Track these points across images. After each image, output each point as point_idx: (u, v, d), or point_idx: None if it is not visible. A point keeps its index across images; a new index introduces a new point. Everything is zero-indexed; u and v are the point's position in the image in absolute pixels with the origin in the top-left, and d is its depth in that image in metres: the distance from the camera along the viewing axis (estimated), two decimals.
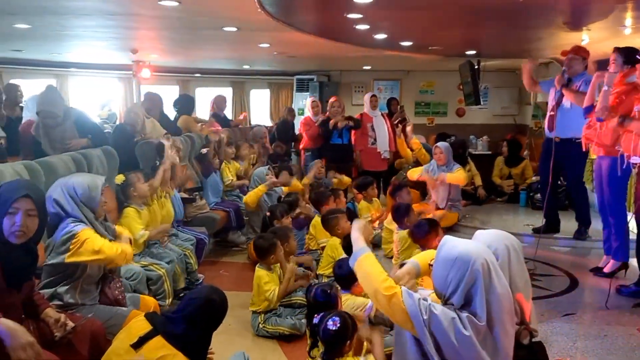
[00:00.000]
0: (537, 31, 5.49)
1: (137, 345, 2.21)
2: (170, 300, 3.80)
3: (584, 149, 4.78)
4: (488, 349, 1.88)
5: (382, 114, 7.57)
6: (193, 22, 5.12)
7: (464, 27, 5.46)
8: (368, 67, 10.17)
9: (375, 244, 5.32)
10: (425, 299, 1.95)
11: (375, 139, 7.34)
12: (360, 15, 4.49)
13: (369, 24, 4.95)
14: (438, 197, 6.16)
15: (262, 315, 3.66)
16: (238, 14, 4.67)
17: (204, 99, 10.77)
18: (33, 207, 2.42)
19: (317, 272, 4.32)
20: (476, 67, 7.98)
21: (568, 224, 5.91)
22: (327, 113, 7.27)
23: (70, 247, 2.76)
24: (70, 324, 2.56)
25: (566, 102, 5.36)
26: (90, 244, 2.77)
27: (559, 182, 6.17)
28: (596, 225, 5.43)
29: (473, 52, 7.45)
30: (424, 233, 3.94)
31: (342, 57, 8.33)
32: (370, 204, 6.04)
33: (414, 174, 6.32)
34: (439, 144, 6.29)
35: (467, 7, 4.24)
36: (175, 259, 4.08)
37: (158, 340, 2.22)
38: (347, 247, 3.96)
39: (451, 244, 2.02)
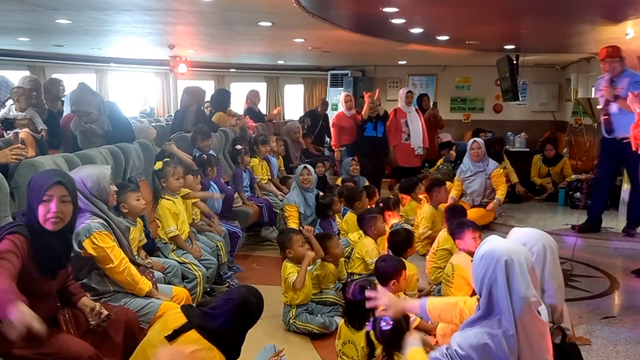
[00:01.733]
0: (578, 25, 5.34)
1: (172, 337, 2.23)
2: (197, 303, 3.79)
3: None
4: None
5: (416, 110, 7.47)
6: (229, 17, 5.16)
7: (503, 21, 5.34)
8: (403, 62, 10.06)
9: None
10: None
11: (409, 135, 7.25)
12: (396, 9, 4.44)
13: (405, 17, 4.89)
14: (473, 194, 6.05)
15: (294, 309, 3.65)
16: (273, 8, 4.68)
17: (238, 93, 10.88)
18: (67, 193, 2.46)
19: (348, 271, 4.29)
20: (515, 62, 7.80)
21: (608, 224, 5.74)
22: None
23: (85, 244, 2.83)
24: (105, 312, 2.61)
25: (613, 106, 5.18)
26: (109, 252, 2.88)
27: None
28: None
29: (512, 46, 7.29)
30: (462, 233, 3.88)
31: (376, 52, 8.28)
32: (419, 204, 5.94)
33: (456, 192, 6.15)
34: (478, 139, 6.17)
35: (507, 0, 4.14)
36: (215, 264, 4.09)
37: (192, 333, 2.23)
38: (392, 245, 3.95)
39: (485, 242, 1.98)
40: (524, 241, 2.22)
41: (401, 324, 2.52)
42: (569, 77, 9.59)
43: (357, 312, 2.85)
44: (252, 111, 7.87)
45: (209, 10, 4.75)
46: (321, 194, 5.55)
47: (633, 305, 4.08)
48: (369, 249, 4.09)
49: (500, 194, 6.06)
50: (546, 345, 1.92)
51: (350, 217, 5.12)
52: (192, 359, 2.17)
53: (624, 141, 5.10)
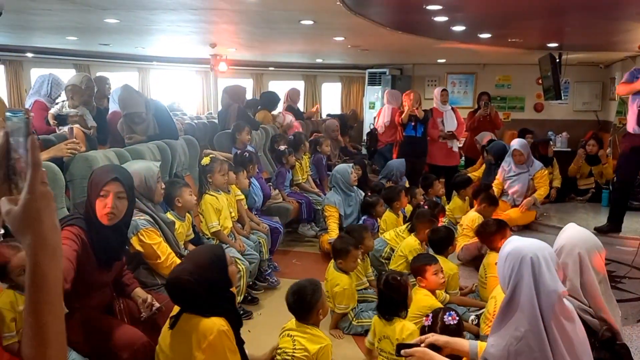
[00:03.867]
0: (624, 22, 5.21)
1: (172, 325, 2.31)
2: (242, 297, 3.86)
3: None
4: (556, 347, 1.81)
5: (452, 108, 7.40)
6: (272, 15, 5.23)
7: (546, 18, 5.26)
8: (442, 61, 9.98)
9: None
10: None
11: (445, 134, 7.21)
12: (439, 7, 4.43)
13: (447, 15, 4.87)
14: (515, 194, 5.98)
15: (351, 312, 3.69)
16: (316, 7, 4.73)
17: (277, 92, 10.98)
18: (122, 189, 2.57)
19: (389, 268, 4.31)
20: (557, 60, 7.65)
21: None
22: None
23: (133, 240, 2.95)
24: (157, 305, 2.71)
25: None
26: (156, 248, 3.00)
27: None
28: None
29: (555, 44, 7.16)
30: (490, 234, 3.87)
31: (415, 50, 8.24)
32: (464, 202, 5.92)
33: (497, 190, 6.06)
34: (516, 145, 6.05)
35: None
36: (258, 259, 4.16)
37: (185, 316, 2.29)
38: (432, 243, 3.99)
39: (508, 242, 1.97)
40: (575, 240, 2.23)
41: (462, 323, 2.61)
42: (614, 76, 9.34)
43: (390, 304, 2.89)
44: (292, 109, 7.95)
45: (253, 9, 4.83)
46: (363, 193, 5.60)
47: None
48: (412, 249, 4.11)
49: (539, 194, 5.97)
50: (581, 334, 1.89)
51: (389, 216, 5.15)
52: (206, 341, 2.20)
53: None
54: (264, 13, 5.07)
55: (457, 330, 2.55)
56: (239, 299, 3.78)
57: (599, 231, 5.54)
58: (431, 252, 3.93)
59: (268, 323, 3.70)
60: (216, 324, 2.22)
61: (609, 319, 2.16)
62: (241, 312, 3.64)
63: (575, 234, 2.31)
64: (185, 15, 5.29)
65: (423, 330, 2.69)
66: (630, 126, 5.31)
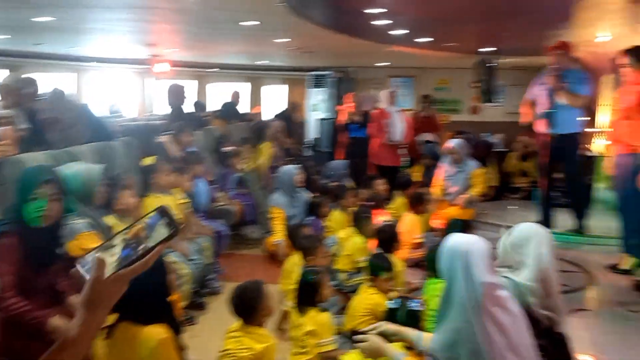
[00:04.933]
0: (554, 27, 5.50)
1: (108, 335, 2.26)
2: (187, 302, 3.76)
3: (610, 150, 4.78)
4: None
5: (399, 110, 7.54)
6: (213, 15, 5.17)
7: (481, 23, 5.48)
8: (384, 64, 10.18)
9: None
10: None
11: (392, 134, 7.34)
12: (379, 10, 4.52)
13: (388, 19, 4.97)
14: (454, 193, 6.17)
15: None
16: (259, 7, 4.71)
17: (219, 93, 10.87)
18: (56, 190, 2.48)
19: (334, 267, 4.33)
20: (492, 64, 7.97)
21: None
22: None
23: (71, 245, 2.83)
24: None
25: (561, 99, 5.37)
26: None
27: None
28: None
29: (490, 48, 7.45)
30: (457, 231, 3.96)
31: (358, 53, 8.36)
32: None
33: (436, 191, 6.26)
34: (455, 144, 6.26)
35: (485, 2, 4.25)
36: (202, 263, 4.08)
37: (123, 324, 2.26)
38: (380, 241, 4.03)
39: (447, 242, 2.03)
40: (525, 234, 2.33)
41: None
42: None
43: (305, 296, 2.91)
44: (232, 109, 7.89)
45: (193, 9, 4.76)
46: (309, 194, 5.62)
47: (609, 299, 4.22)
48: (358, 247, 4.15)
49: (475, 191, 6.17)
50: (520, 323, 1.97)
51: (336, 215, 5.18)
52: (148, 350, 2.17)
53: (557, 137, 5.42)
54: (205, 13, 5.01)
55: (422, 317, 2.60)
56: (183, 304, 3.70)
57: None
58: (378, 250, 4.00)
59: (216, 328, 3.64)
60: (157, 332, 2.18)
61: (560, 307, 2.27)
62: (186, 317, 3.56)
63: (530, 227, 2.44)
64: (123, 14, 5.16)
65: (391, 312, 2.75)
66: (536, 125, 5.66)
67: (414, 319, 2.55)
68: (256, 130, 6.38)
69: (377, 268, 3.37)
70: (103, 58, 9.76)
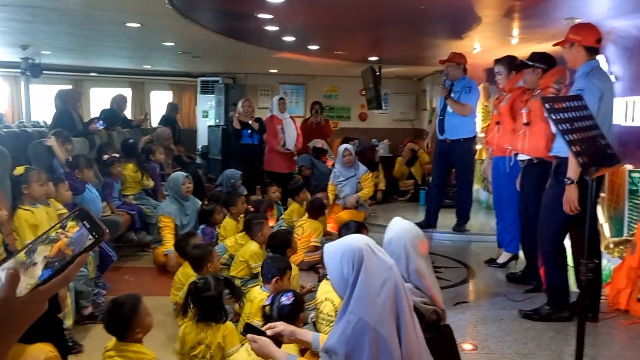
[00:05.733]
0: (432, 39, 5.86)
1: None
2: (72, 321, 3.51)
3: (485, 154, 5.17)
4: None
5: (290, 117, 7.64)
6: (94, 16, 4.89)
7: (367, 32, 5.68)
8: (274, 71, 10.23)
9: None
10: None
11: (285, 141, 7.40)
12: (270, 16, 4.53)
13: (278, 25, 5.00)
14: (346, 198, 6.35)
15: None
16: (144, 8, 4.53)
17: (100, 99, 10.31)
18: None
19: (230, 274, 4.27)
20: (377, 72, 8.32)
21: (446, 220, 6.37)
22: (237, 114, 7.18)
23: None
24: None
25: (450, 107, 5.78)
26: None
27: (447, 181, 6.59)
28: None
29: (375, 57, 7.76)
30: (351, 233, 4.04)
31: (248, 59, 8.33)
32: (302, 207, 6.03)
33: (331, 195, 6.40)
34: (348, 146, 6.47)
35: (370, 11, 4.42)
36: (86, 276, 3.82)
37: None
38: (272, 247, 4.03)
39: (330, 246, 2.08)
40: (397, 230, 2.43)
41: (300, 302, 2.68)
42: (425, 88, 10.41)
43: (207, 308, 2.87)
44: (117, 115, 7.50)
45: (74, 9, 4.47)
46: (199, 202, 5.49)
47: (488, 291, 4.55)
48: (254, 253, 4.12)
49: (363, 193, 6.40)
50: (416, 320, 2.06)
51: (228, 222, 5.11)
52: None
53: (448, 142, 5.83)
54: (86, 13, 4.72)
55: (292, 311, 2.61)
56: (69, 321, 3.45)
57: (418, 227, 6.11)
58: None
59: (100, 347, 3.42)
60: (43, 350, 2.02)
61: (438, 301, 2.39)
62: (70, 343, 3.30)
63: (401, 226, 2.53)
64: None
65: (263, 311, 2.75)
66: (438, 131, 6.01)
67: (283, 313, 2.58)
68: (125, 147, 6.08)
69: (271, 271, 3.38)
70: None
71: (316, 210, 5.29)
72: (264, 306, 2.77)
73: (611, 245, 4.49)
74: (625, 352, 3.32)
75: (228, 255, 4.51)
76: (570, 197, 3.41)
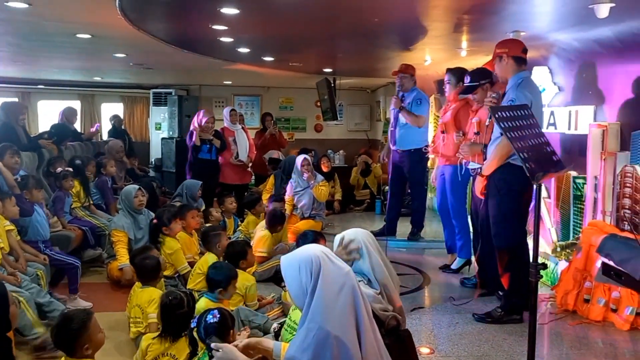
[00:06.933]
0: (384, 51, 5.98)
1: None
2: (43, 328, 3.44)
3: (435, 163, 5.31)
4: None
5: (242, 128, 7.63)
6: (44, 27, 4.77)
7: (321, 44, 5.76)
8: (228, 82, 10.20)
9: None
10: None
11: (237, 153, 7.38)
12: (225, 27, 4.53)
13: (233, 36, 5.00)
14: (303, 208, 6.37)
15: None
16: (95, 19, 4.45)
17: (48, 112, 10.01)
18: None
19: (188, 287, 4.22)
20: (332, 84, 8.42)
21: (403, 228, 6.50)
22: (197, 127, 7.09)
23: None
24: None
25: (402, 118, 5.91)
26: None
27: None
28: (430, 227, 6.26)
29: (329, 69, 7.86)
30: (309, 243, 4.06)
31: (202, 71, 8.27)
32: (258, 218, 6.01)
33: (289, 206, 6.41)
34: (306, 156, 6.51)
35: (325, 23, 4.49)
36: (37, 282, 3.72)
37: None
38: (228, 257, 4.04)
39: (286, 259, 2.10)
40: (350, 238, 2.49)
41: (227, 319, 2.61)
42: (379, 100, 10.60)
43: (175, 322, 2.87)
44: (67, 129, 7.31)
45: (21, 19, 4.34)
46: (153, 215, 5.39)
47: (442, 296, 4.65)
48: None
49: (317, 195, 6.41)
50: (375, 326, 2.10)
51: (182, 236, 5.04)
52: None
53: (400, 152, 6.00)
54: (34, 24, 4.60)
55: (220, 329, 2.56)
56: (36, 331, 3.37)
57: (375, 235, 6.19)
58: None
59: None
60: None
61: (397, 301, 2.44)
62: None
63: (355, 229, 2.63)
64: None
65: (191, 334, 2.70)
66: (391, 142, 6.14)
67: (209, 332, 2.53)
68: (72, 166, 5.93)
69: (214, 280, 3.38)
70: None
71: (276, 221, 5.27)
72: (191, 329, 2.71)
73: (558, 249, 4.68)
74: (574, 351, 3.46)
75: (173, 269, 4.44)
76: (477, 186, 3.86)
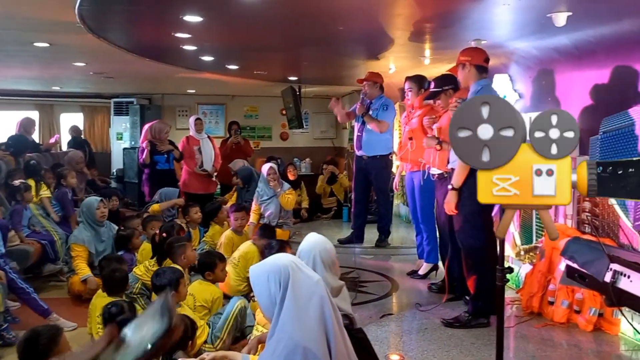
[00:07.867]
0: (349, 59, 6.02)
1: None
2: None
3: (403, 168, 5.36)
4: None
5: (208, 137, 7.56)
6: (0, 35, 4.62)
7: (285, 52, 5.75)
8: (192, 91, 10.08)
9: None
10: None
11: (202, 162, 7.31)
12: (188, 35, 4.48)
13: (196, 44, 4.95)
14: (270, 216, 6.32)
15: None
16: (53, 27, 4.34)
17: (5, 123, 9.68)
18: None
19: (153, 299, 4.12)
20: (297, 92, 8.43)
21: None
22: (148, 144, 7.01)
23: None
24: None
25: (368, 124, 5.96)
26: None
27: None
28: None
29: (294, 77, 7.86)
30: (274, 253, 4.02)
31: (164, 79, 8.15)
32: (222, 228, 5.93)
33: (255, 215, 6.33)
34: (273, 165, 6.46)
35: (289, 31, 4.48)
36: None
37: None
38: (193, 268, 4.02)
39: (255, 269, 2.08)
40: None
41: (187, 328, 2.63)
42: (344, 107, 10.63)
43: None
44: (25, 140, 7.09)
45: None
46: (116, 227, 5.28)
47: (411, 302, 4.66)
48: None
49: (284, 202, 6.37)
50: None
51: (145, 246, 4.94)
52: None
53: (365, 159, 6.04)
54: None
55: (179, 338, 2.51)
56: None
57: (341, 242, 6.24)
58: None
59: None
60: None
61: (347, 308, 2.45)
62: None
63: (314, 239, 2.66)
64: None
65: None
66: (356, 147, 6.18)
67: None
68: (27, 168, 5.79)
69: (160, 288, 3.34)
70: None
71: (266, 235, 5.04)
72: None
73: (522, 253, 4.77)
74: (540, 353, 3.51)
75: (140, 284, 4.29)
76: (450, 200, 3.82)
